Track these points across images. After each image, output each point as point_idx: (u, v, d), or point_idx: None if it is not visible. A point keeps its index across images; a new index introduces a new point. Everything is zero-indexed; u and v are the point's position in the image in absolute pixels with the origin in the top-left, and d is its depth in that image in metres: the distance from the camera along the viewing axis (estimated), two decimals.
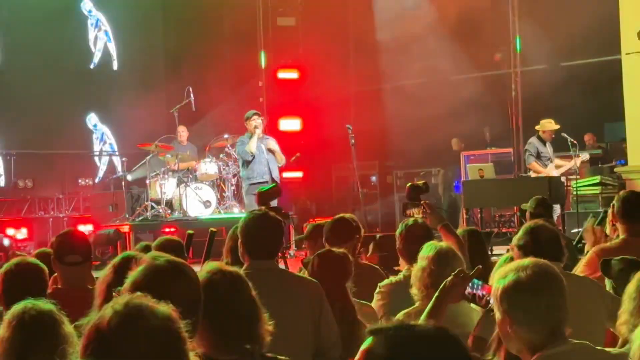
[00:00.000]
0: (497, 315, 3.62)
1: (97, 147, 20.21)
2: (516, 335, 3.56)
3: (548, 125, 16.20)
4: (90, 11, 20.03)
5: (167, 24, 20.15)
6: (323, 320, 5.45)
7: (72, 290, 5.26)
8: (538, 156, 16.00)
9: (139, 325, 2.46)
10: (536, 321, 3.57)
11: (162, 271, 3.23)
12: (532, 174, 15.75)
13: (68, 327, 3.75)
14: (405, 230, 6.82)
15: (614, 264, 5.67)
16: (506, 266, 3.73)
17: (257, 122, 14.86)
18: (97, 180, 19.23)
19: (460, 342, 2.17)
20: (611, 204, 7.08)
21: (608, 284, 5.71)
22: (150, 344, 2.43)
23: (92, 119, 20.09)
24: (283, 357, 3.94)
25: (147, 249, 6.47)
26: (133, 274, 3.24)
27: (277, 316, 5.33)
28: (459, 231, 7.17)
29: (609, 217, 7.11)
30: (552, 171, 15.70)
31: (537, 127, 16.29)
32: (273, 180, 14.43)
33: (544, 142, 16.14)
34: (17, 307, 3.75)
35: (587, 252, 6.92)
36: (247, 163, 14.80)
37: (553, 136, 16.09)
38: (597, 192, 15.80)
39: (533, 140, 16.20)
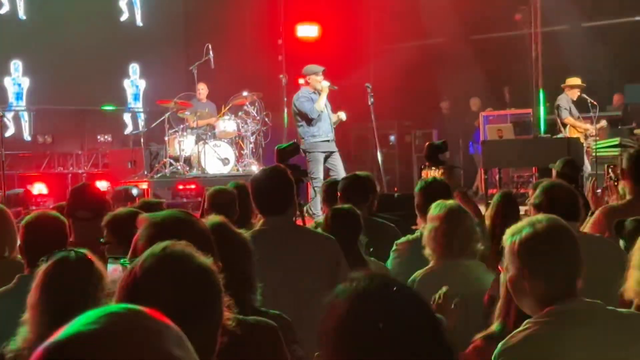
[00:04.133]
0: (511, 271, 3.60)
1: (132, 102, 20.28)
2: (532, 290, 3.52)
3: (573, 81, 16.16)
4: None
5: None
6: (340, 277, 5.46)
7: (82, 245, 5.31)
8: (570, 111, 16.01)
9: (173, 270, 2.47)
10: (554, 273, 3.52)
11: (165, 228, 3.22)
12: (565, 132, 15.66)
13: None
14: (425, 187, 6.82)
15: (627, 224, 5.67)
16: (518, 223, 3.71)
17: (320, 80, 14.19)
18: (126, 133, 19.21)
19: (425, 303, 2.20)
20: (615, 165, 7.00)
21: (622, 244, 5.71)
22: (183, 290, 2.43)
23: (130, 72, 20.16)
24: (275, 312, 3.95)
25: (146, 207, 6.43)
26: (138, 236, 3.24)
27: (293, 273, 5.39)
28: (495, 197, 7.14)
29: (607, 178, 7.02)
30: (588, 126, 15.67)
31: (563, 85, 16.24)
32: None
33: (571, 100, 16.13)
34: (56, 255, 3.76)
35: (593, 212, 6.88)
36: (310, 120, 14.13)
37: (579, 94, 16.01)
38: (617, 153, 15.73)
39: (563, 96, 16.14)
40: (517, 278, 3.55)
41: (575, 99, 16.14)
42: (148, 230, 3.19)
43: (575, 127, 15.77)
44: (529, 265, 3.53)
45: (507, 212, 6.73)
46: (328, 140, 14.02)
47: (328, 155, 14.00)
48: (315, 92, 14.13)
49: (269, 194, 5.60)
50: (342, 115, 14.29)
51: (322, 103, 14.00)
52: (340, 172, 13.42)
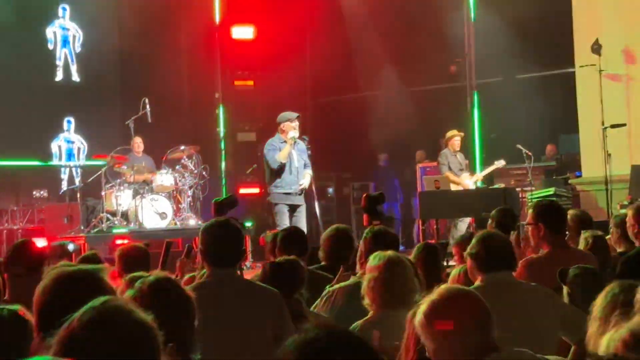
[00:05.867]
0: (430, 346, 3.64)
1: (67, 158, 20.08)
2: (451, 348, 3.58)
3: (450, 134, 16.52)
4: (52, 23, 19.87)
5: (124, 36, 20.05)
6: (284, 330, 5.45)
7: (17, 301, 5.22)
8: (449, 166, 16.32)
9: (112, 324, 2.44)
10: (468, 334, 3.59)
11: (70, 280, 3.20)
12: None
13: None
14: (372, 236, 6.82)
15: (571, 272, 5.73)
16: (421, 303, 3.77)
17: (296, 127, 14.04)
18: (60, 192, 19.03)
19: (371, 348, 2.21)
20: (530, 216, 7.04)
21: (565, 291, 5.76)
22: (121, 345, 2.40)
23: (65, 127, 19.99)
24: None
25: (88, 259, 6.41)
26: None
27: (238, 325, 5.36)
28: (416, 248, 7.18)
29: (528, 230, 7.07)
30: (465, 180, 16.03)
31: (444, 140, 16.65)
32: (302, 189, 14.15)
33: (454, 153, 16.56)
34: None
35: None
36: (276, 170, 14.00)
37: (459, 144, 16.63)
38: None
39: (444, 151, 16.74)
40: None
41: (457, 150, 16.64)
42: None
43: (454, 182, 16.06)
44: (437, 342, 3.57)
45: (428, 263, 6.78)
46: (291, 193, 13.93)
47: (294, 208, 13.91)
48: (285, 142, 14.03)
49: (220, 246, 5.59)
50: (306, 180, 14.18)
51: (285, 154, 13.90)
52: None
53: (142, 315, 2.49)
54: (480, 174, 16.78)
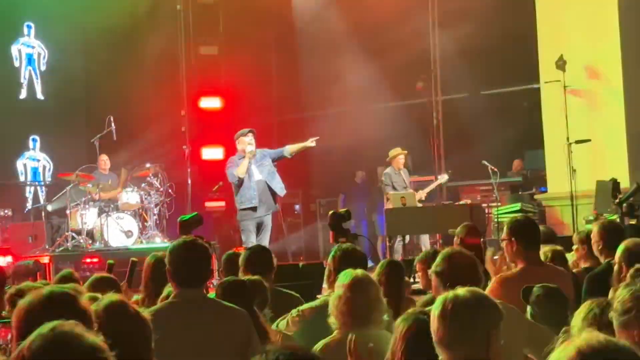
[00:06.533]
0: None
1: (32, 176, 19.96)
2: None
3: (393, 153, 16.66)
4: (17, 41, 19.78)
5: (89, 54, 20.00)
6: (252, 350, 5.42)
7: None
8: (393, 185, 16.35)
9: (63, 351, 2.41)
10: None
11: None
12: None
13: None
14: (341, 254, 6.80)
15: (535, 290, 5.74)
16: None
17: (250, 142, 14.03)
18: (25, 211, 18.89)
19: None
20: (505, 232, 7.05)
21: (529, 310, 5.77)
22: None
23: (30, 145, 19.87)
24: None
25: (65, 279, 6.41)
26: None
27: (206, 345, 5.33)
28: (379, 264, 7.17)
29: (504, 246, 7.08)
30: (397, 196, 16.11)
31: (388, 159, 16.69)
32: (267, 205, 14.06)
33: (398, 171, 16.70)
34: None
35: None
36: (237, 187, 14.05)
37: (402, 165, 16.76)
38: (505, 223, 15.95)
39: (387, 171, 16.82)
40: None
41: (401, 168, 16.76)
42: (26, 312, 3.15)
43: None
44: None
45: (392, 279, 6.77)
46: (253, 208, 13.86)
47: (259, 224, 13.83)
48: (244, 157, 13.99)
49: (187, 266, 5.56)
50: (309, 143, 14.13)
51: (243, 169, 13.85)
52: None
53: (92, 339, 2.47)
54: (423, 192, 16.77)
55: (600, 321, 4.13)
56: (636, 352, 2.74)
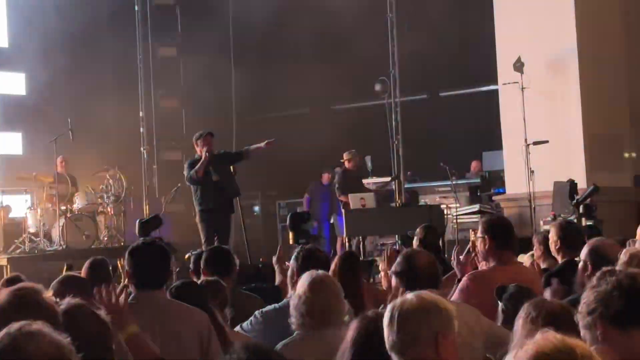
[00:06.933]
0: None
1: None
2: None
3: (347, 155, 16.99)
4: None
5: (47, 53, 19.86)
6: (211, 351, 5.44)
7: None
8: (345, 187, 16.53)
9: (28, 350, 2.40)
10: None
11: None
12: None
13: None
14: (303, 255, 6.80)
15: (509, 289, 5.78)
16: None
17: (209, 143, 13.90)
18: None
19: None
20: (479, 230, 7.11)
21: (500, 307, 5.81)
22: None
23: None
24: None
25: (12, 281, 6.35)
26: None
27: (165, 347, 5.31)
28: (336, 259, 7.19)
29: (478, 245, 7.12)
30: (356, 198, 16.19)
31: (342, 161, 16.93)
32: (225, 206, 14.13)
33: (351, 172, 16.91)
34: None
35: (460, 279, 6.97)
36: (195, 188, 14.00)
37: (354, 167, 17.01)
38: (477, 220, 16.04)
39: (340, 172, 17.09)
40: None
41: (354, 170, 17.00)
42: None
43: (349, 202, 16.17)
44: None
45: (348, 273, 6.79)
46: (212, 210, 13.82)
47: (218, 226, 13.80)
48: (202, 159, 13.90)
49: (146, 268, 5.54)
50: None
51: (200, 169, 13.76)
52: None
53: (58, 338, 2.48)
54: (372, 193, 16.85)
55: (536, 322, 4.19)
56: (587, 349, 2.80)
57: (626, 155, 16.78)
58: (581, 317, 3.76)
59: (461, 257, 7.19)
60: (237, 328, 6.38)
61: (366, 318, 4.34)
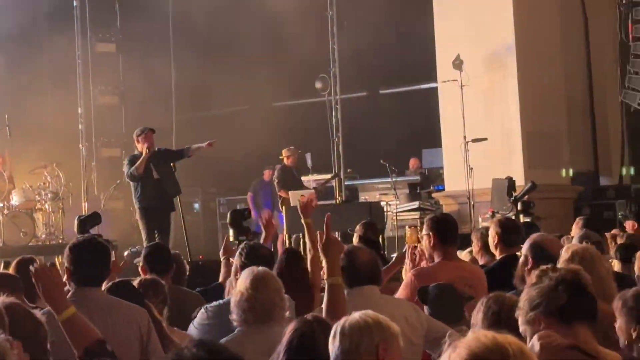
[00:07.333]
0: None
1: None
2: None
3: (286, 152, 17.08)
4: None
5: None
6: (151, 347, 5.41)
7: None
8: (284, 184, 16.61)
9: None
10: None
11: None
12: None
13: None
14: (247, 251, 6.79)
15: (429, 290, 5.83)
16: None
17: (149, 140, 13.72)
18: None
19: None
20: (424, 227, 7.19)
21: (426, 310, 5.86)
22: None
23: None
24: None
25: None
26: None
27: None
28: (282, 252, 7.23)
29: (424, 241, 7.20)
30: (296, 194, 16.24)
31: (281, 157, 17.11)
32: (166, 204, 14.00)
33: (290, 169, 17.02)
34: None
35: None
36: (135, 185, 13.84)
37: (293, 163, 17.09)
38: (417, 217, 16.14)
39: (279, 169, 17.15)
40: None
41: (293, 166, 17.06)
42: None
43: (288, 197, 16.22)
44: None
45: (293, 268, 6.80)
46: (151, 207, 13.73)
47: (158, 223, 13.69)
48: (142, 156, 13.74)
49: (85, 265, 5.49)
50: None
51: (140, 166, 13.61)
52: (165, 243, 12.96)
53: None
54: (311, 190, 16.91)
55: (499, 317, 4.24)
56: (522, 345, 2.83)
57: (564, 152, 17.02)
58: (523, 313, 3.80)
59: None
60: (191, 326, 6.35)
61: (302, 321, 4.36)
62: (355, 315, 4.00)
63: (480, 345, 2.78)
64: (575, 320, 3.79)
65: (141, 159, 13.68)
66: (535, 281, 3.87)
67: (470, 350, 2.78)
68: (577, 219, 10.32)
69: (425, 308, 5.89)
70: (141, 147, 13.82)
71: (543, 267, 4.10)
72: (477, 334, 2.85)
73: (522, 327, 3.77)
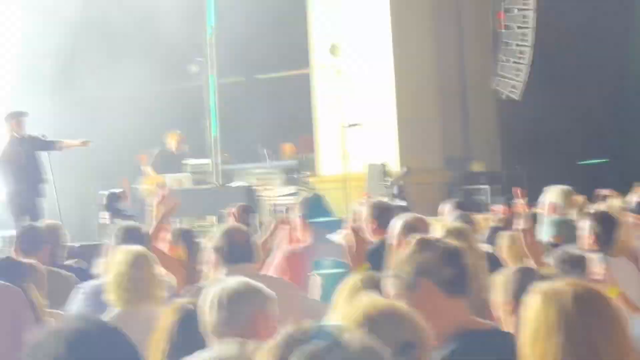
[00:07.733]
0: None
1: None
2: None
3: (168, 136, 17.50)
4: None
5: None
6: (24, 326, 5.35)
7: None
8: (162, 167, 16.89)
9: None
10: None
11: None
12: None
13: None
14: (123, 232, 6.80)
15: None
16: None
17: (19, 125, 13.49)
18: None
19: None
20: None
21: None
22: None
23: None
24: None
25: None
26: None
27: None
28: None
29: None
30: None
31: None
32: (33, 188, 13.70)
33: (169, 153, 17.32)
34: None
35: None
36: (2, 169, 13.61)
37: (174, 147, 17.39)
38: (293, 202, 16.22)
39: (158, 152, 17.39)
40: None
41: (174, 150, 17.30)
42: None
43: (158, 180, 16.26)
44: None
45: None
46: (17, 192, 13.46)
47: (26, 208, 13.46)
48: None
49: None
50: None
51: (7, 153, 13.43)
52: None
53: None
54: (188, 174, 17.00)
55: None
56: (411, 311, 2.93)
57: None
58: (404, 274, 3.77)
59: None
60: (67, 306, 6.32)
61: (181, 304, 4.37)
62: (231, 283, 4.05)
63: (377, 307, 2.90)
64: (458, 294, 3.83)
65: (8, 142, 13.46)
66: (416, 249, 3.83)
67: (368, 311, 2.89)
68: (446, 201, 10.54)
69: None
70: (10, 131, 13.57)
71: (422, 236, 4.12)
72: (376, 298, 2.97)
73: (395, 291, 3.75)
